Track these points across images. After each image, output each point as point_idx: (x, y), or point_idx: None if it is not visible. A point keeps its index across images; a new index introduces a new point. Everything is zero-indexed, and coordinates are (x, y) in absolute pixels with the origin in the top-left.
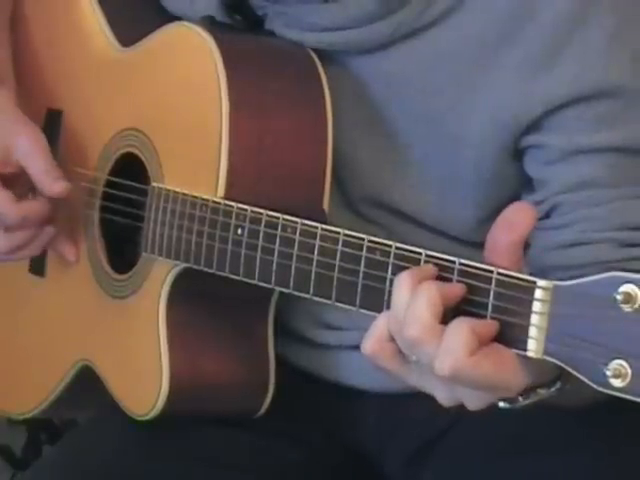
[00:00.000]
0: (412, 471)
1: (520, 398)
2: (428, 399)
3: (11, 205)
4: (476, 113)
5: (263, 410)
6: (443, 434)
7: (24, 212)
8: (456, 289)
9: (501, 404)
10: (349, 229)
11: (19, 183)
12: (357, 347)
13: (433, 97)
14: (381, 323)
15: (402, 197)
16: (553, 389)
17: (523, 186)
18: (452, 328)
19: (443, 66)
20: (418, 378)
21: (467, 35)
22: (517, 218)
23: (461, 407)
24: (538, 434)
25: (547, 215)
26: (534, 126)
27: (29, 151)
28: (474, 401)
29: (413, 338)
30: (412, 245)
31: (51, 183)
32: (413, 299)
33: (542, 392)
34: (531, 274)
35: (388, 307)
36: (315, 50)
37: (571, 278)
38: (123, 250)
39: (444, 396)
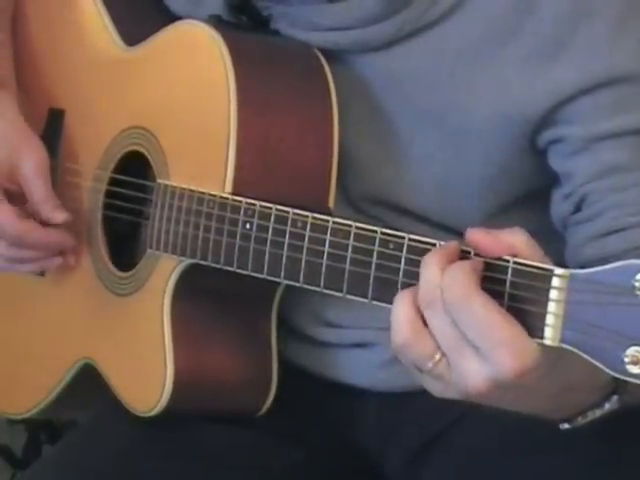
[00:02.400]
0: (413, 470)
1: (579, 418)
2: (429, 398)
3: (12, 220)
4: (480, 109)
5: (264, 409)
6: (444, 433)
7: (22, 230)
8: (453, 244)
9: (561, 425)
10: None
11: (22, 195)
12: (358, 345)
13: (436, 93)
14: (403, 310)
15: (404, 194)
16: (608, 406)
17: (537, 181)
18: (451, 266)
19: (446, 63)
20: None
21: (470, 32)
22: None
23: (462, 406)
24: (539, 433)
25: (578, 208)
26: (549, 120)
27: (32, 177)
28: (474, 372)
29: (455, 297)
30: None
31: (50, 212)
32: (447, 271)
33: (593, 413)
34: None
35: None
36: (319, 49)
37: None
38: (124, 248)
39: (457, 382)
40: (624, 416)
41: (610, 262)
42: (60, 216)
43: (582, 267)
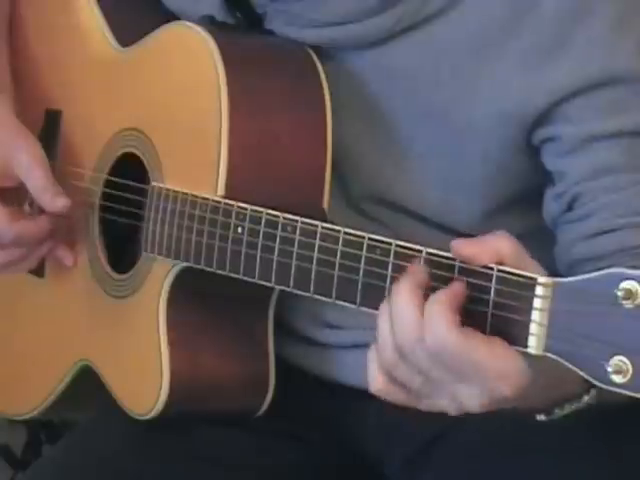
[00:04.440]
0: (412, 471)
1: (556, 410)
2: None
3: (7, 223)
4: (480, 105)
5: (263, 410)
6: (443, 435)
7: (19, 231)
8: (459, 288)
9: (537, 417)
10: (350, 227)
11: (18, 195)
12: (357, 346)
13: (435, 90)
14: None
15: (404, 192)
16: (587, 398)
17: (534, 180)
18: (429, 302)
19: (445, 59)
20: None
21: (469, 28)
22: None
23: None
24: (538, 435)
25: (569, 207)
26: (545, 119)
27: (28, 168)
28: (474, 399)
29: (437, 345)
30: (414, 242)
31: (51, 200)
32: (426, 317)
33: (570, 406)
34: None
35: None
36: (314, 47)
37: (600, 269)
38: (123, 250)
39: (451, 405)
40: (621, 417)
41: (599, 263)
42: (62, 202)
43: (571, 266)
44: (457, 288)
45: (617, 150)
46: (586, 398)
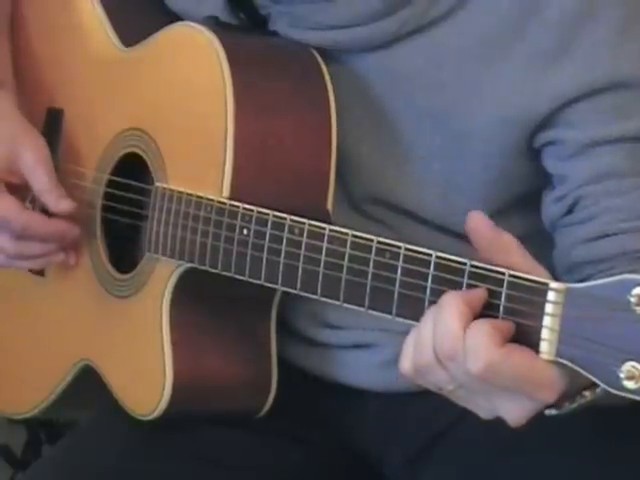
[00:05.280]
0: (412, 471)
1: (566, 403)
2: (428, 399)
3: (15, 212)
4: (483, 109)
5: (265, 410)
6: (443, 434)
7: (25, 221)
8: (479, 293)
9: (547, 411)
10: (352, 228)
11: (21, 191)
12: (357, 346)
13: (438, 93)
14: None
15: (406, 194)
16: (598, 389)
17: (535, 183)
18: (473, 328)
19: (448, 62)
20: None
21: (472, 32)
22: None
23: (461, 407)
24: (538, 434)
25: (570, 210)
26: (547, 123)
27: (32, 167)
28: (516, 411)
29: (482, 368)
30: (418, 244)
31: (55, 202)
32: (469, 337)
33: (587, 394)
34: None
35: (397, 308)
36: (317, 49)
37: (600, 272)
38: (125, 250)
39: (484, 409)
40: (622, 417)
41: (599, 265)
42: (65, 205)
43: (570, 269)
44: (505, 324)
45: (620, 155)
46: (597, 390)
